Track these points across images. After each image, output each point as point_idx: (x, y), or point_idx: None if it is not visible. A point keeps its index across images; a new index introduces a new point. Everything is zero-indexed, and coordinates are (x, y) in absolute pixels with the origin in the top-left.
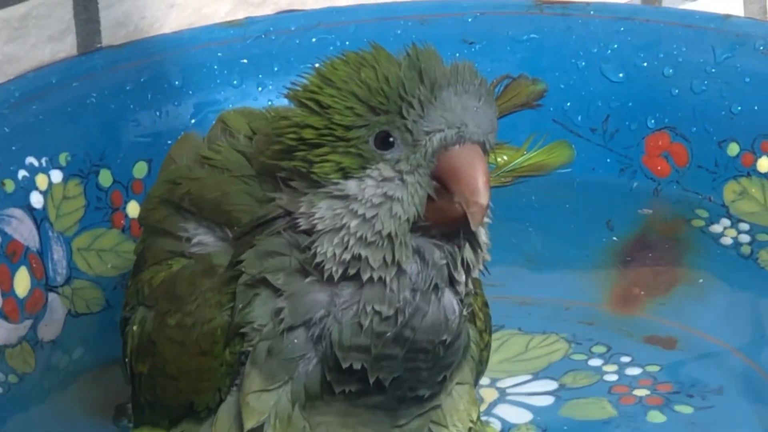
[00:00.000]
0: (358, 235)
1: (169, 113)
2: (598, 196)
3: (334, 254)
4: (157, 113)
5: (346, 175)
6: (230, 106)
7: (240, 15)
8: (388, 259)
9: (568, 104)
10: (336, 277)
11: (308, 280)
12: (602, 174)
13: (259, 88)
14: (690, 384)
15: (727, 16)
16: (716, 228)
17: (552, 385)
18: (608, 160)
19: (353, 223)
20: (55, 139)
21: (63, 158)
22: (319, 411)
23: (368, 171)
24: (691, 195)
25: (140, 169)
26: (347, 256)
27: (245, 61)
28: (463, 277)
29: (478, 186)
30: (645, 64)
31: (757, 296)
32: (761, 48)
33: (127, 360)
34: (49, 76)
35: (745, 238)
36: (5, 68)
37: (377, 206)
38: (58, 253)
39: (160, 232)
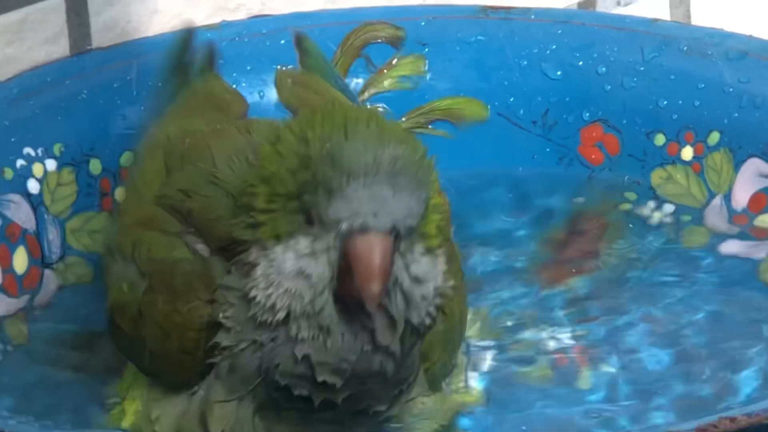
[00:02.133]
0: (280, 300)
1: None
2: (537, 185)
3: (265, 306)
4: (142, 108)
5: (279, 241)
6: None
7: (216, 20)
8: (312, 325)
9: (512, 99)
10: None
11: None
12: (542, 162)
13: (234, 86)
14: (615, 348)
15: (655, 20)
16: (644, 210)
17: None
18: (547, 150)
19: (276, 290)
20: (49, 132)
21: (57, 149)
22: (275, 420)
23: (291, 242)
24: (622, 180)
25: (127, 159)
26: (273, 315)
27: (221, 60)
28: (389, 339)
29: (372, 275)
30: (580, 63)
31: (680, 274)
32: (685, 48)
33: (107, 305)
34: (44, 75)
35: (669, 220)
36: (5, 68)
37: (294, 278)
38: (53, 233)
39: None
